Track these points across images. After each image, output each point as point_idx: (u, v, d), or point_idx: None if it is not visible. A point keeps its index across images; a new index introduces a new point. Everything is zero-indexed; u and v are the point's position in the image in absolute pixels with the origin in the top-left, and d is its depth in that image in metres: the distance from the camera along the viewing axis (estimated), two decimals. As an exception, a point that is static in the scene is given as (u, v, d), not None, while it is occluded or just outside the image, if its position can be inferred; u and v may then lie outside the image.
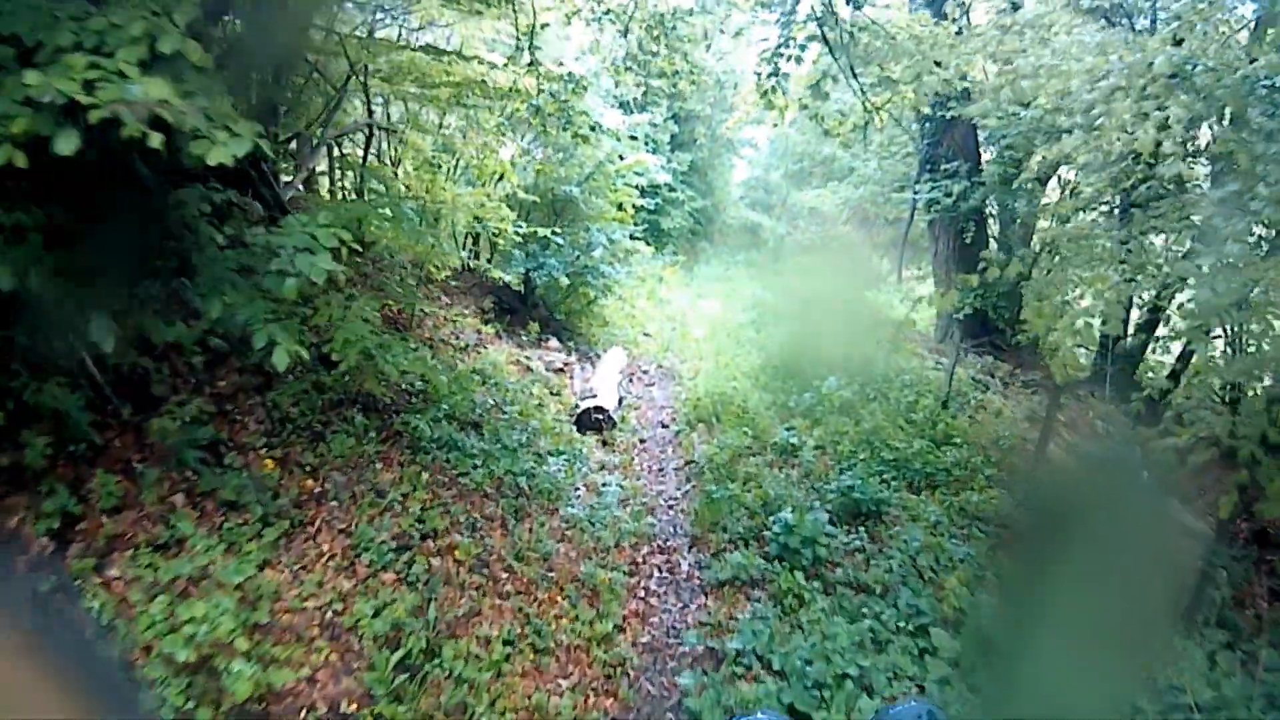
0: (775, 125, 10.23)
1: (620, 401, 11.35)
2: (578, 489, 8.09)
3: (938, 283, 15.89)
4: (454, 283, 14.28)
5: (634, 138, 18.37)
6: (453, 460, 7.07)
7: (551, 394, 11.23)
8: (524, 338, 13.49)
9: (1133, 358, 14.16)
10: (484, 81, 9.79)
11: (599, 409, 10.16)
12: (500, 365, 10.94)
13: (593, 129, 10.16)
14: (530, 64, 9.47)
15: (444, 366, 8.93)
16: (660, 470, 9.34)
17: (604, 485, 8.38)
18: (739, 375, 12.81)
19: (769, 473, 8.89)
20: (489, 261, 13.69)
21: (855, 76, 9.29)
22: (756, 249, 25.52)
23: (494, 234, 12.14)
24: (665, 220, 23.40)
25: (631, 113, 20.26)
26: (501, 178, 12.98)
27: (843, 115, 11.63)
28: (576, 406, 10.53)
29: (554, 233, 12.28)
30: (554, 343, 13.65)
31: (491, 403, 9.01)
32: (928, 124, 15.64)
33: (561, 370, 12.34)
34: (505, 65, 9.44)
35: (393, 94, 10.51)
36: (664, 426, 10.96)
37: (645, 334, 16.91)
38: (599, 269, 13.47)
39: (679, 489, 8.85)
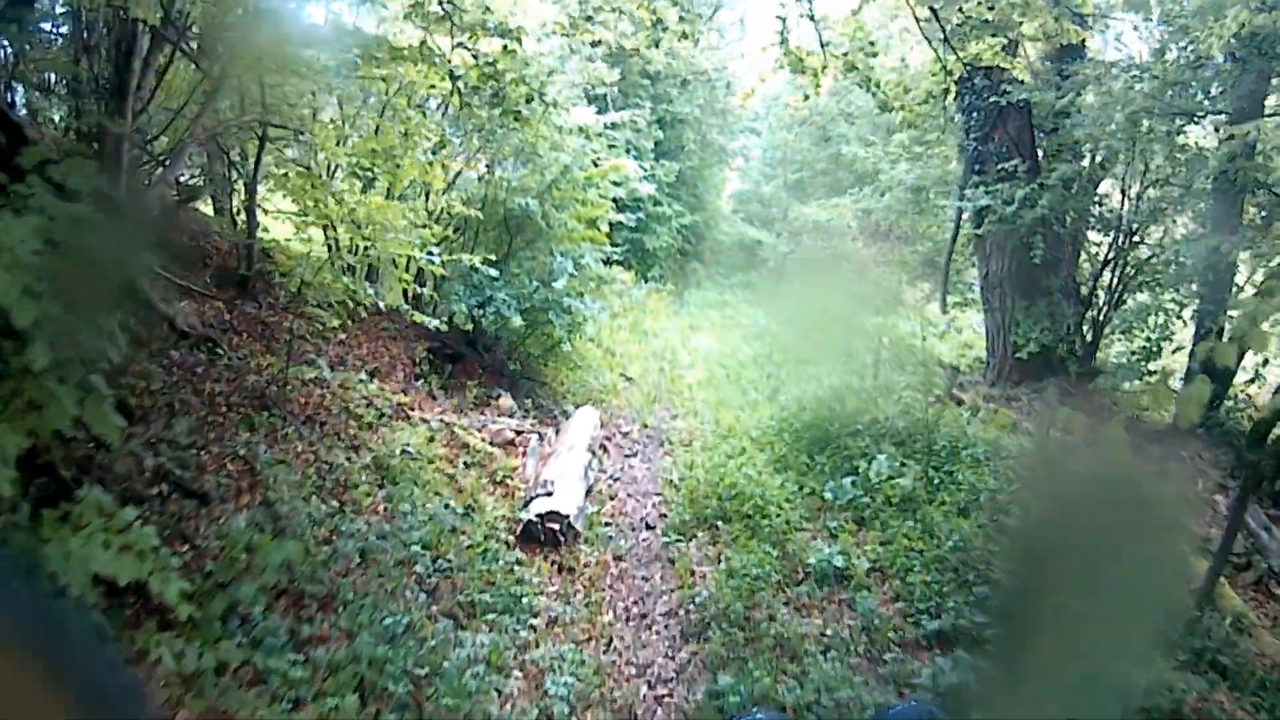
0: (806, 98, 7.00)
1: (588, 491, 8.24)
2: (504, 690, 4.91)
3: (989, 312, 12.89)
4: (386, 325, 11.23)
5: (609, 137, 15.39)
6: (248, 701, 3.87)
7: (493, 484, 8.14)
8: (469, 395, 10.41)
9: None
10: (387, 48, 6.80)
11: (554, 514, 7.05)
12: (420, 448, 7.83)
13: (530, 101, 7.10)
14: (444, 17, 6.43)
15: (294, 492, 5.78)
16: (643, 619, 6.22)
17: (552, 668, 5.23)
18: (747, 442, 9.74)
19: (808, 626, 5.79)
20: (434, 296, 10.63)
21: (936, 15, 6.27)
22: (754, 269, 22.51)
23: (425, 263, 9.08)
24: (650, 239, 20.37)
25: (606, 109, 17.29)
26: (428, 191, 9.97)
27: (900, 77, 8.59)
28: (525, 504, 7.41)
29: (491, 260, 9.22)
30: (506, 400, 10.54)
31: (376, 537, 5.85)
32: (974, 114, 12.69)
33: (512, 443, 9.23)
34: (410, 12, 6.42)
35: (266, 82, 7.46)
36: (648, 528, 7.86)
37: (626, 378, 13.84)
38: (563, 303, 10.38)
39: (671, 655, 5.73)
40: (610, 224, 12.95)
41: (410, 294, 12.38)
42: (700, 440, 10.20)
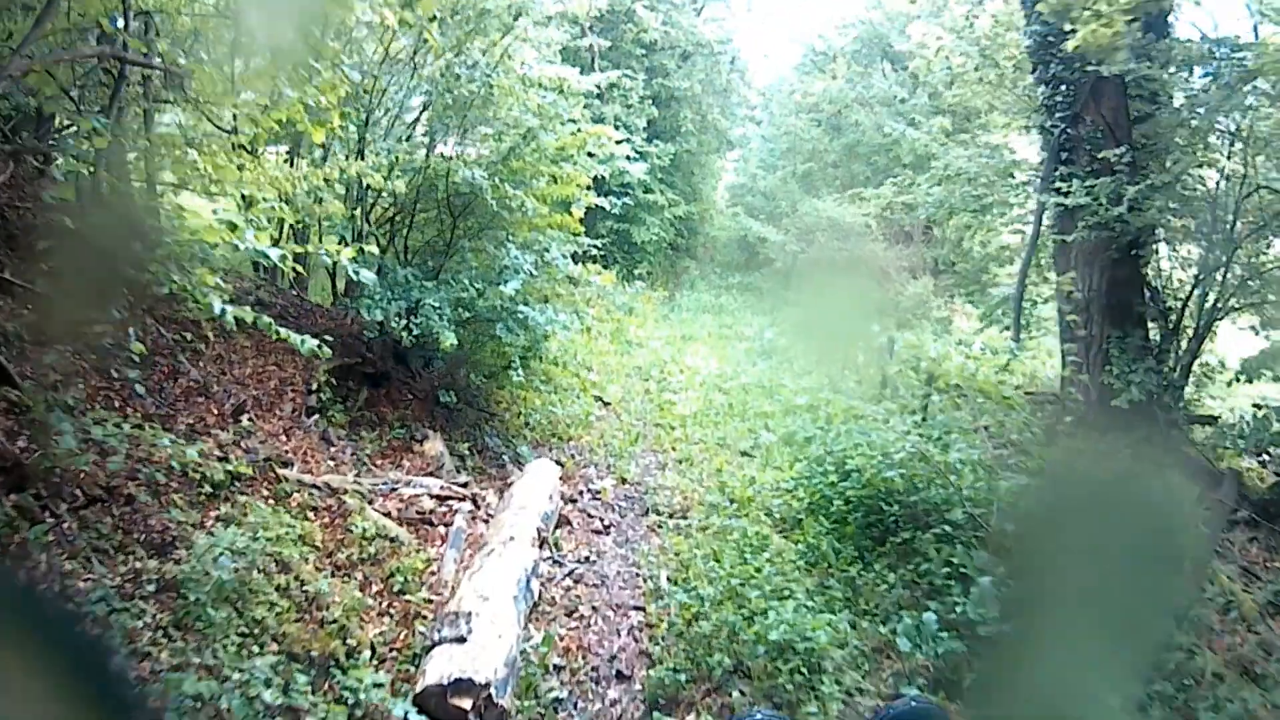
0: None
1: (532, 609, 5.44)
2: None
3: (1071, 342, 10.17)
4: (280, 333, 8.37)
5: (595, 109, 12.56)
6: None
7: (387, 597, 5.32)
8: (384, 438, 7.61)
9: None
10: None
11: (463, 684, 4.22)
12: (270, 542, 4.99)
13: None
14: None
15: None
16: None
17: None
18: (766, 522, 6.96)
19: None
20: (353, 297, 7.87)
21: None
22: (757, 269, 19.68)
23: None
24: (638, 230, 17.54)
25: (590, 70, 14.45)
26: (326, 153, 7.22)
27: None
28: (426, 652, 4.59)
29: (385, 256, 6.45)
30: (434, 445, 7.71)
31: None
32: (1060, 87, 9.93)
33: (428, 520, 6.40)
34: None
35: None
36: (620, 679, 5.06)
37: (603, 402, 11.03)
38: (517, 313, 7.54)
39: None
40: (588, 209, 10.15)
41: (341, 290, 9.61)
42: (699, 511, 7.40)
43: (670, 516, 7.39)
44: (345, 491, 6.33)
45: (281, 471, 6.42)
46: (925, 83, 21.09)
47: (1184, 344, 9.93)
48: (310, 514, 6.07)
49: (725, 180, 25.92)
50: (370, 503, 6.46)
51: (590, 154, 10.53)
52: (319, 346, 5.54)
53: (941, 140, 12.58)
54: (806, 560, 6.33)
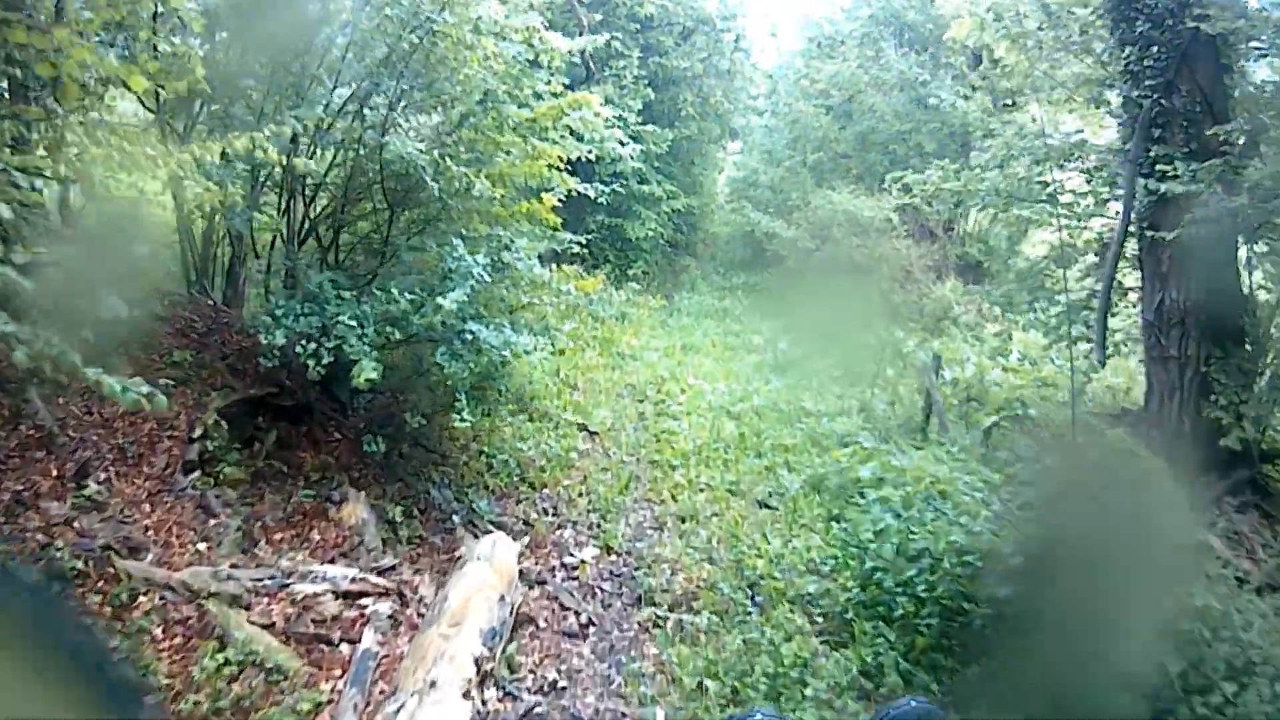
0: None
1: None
2: None
3: (1157, 362, 8.33)
4: (179, 356, 6.54)
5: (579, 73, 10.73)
6: None
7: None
8: (290, 499, 5.75)
9: None
10: None
11: None
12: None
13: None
14: None
15: None
16: None
17: None
18: (804, 635, 5.07)
19: None
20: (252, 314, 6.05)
21: None
22: (764, 268, 17.68)
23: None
24: (632, 226, 15.63)
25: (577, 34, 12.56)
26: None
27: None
28: None
29: (299, 258, 4.59)
30: (357, 509, 5.86)
31: None
32: (1149, 49, 8.07)
33: (327, 640, 4.52)
34: None
35: None
36: None
37: (588, 432, 9.14)
38: (464, 332, 5.65)
39: None
40: (571, 198, 8.30)
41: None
42: (708, 600, 5.52)
43: (671, 609, 5.50)
44: (211, 594, 4.45)
45: (124, 565, 4.55)
46: (948, 64, 19.28)
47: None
48: (156, 631, 4.21)
49: (724, 174, 23.96)
50: (248, 608, 4.59)
51: (572, 131, 8.69)
52: (148, 396, 3.68)
53: (999, 117, 10.60)
54: (863, 687, 4.45)
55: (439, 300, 5.26)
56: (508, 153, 6.46)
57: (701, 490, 7.74)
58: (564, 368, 10.57)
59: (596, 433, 9.23)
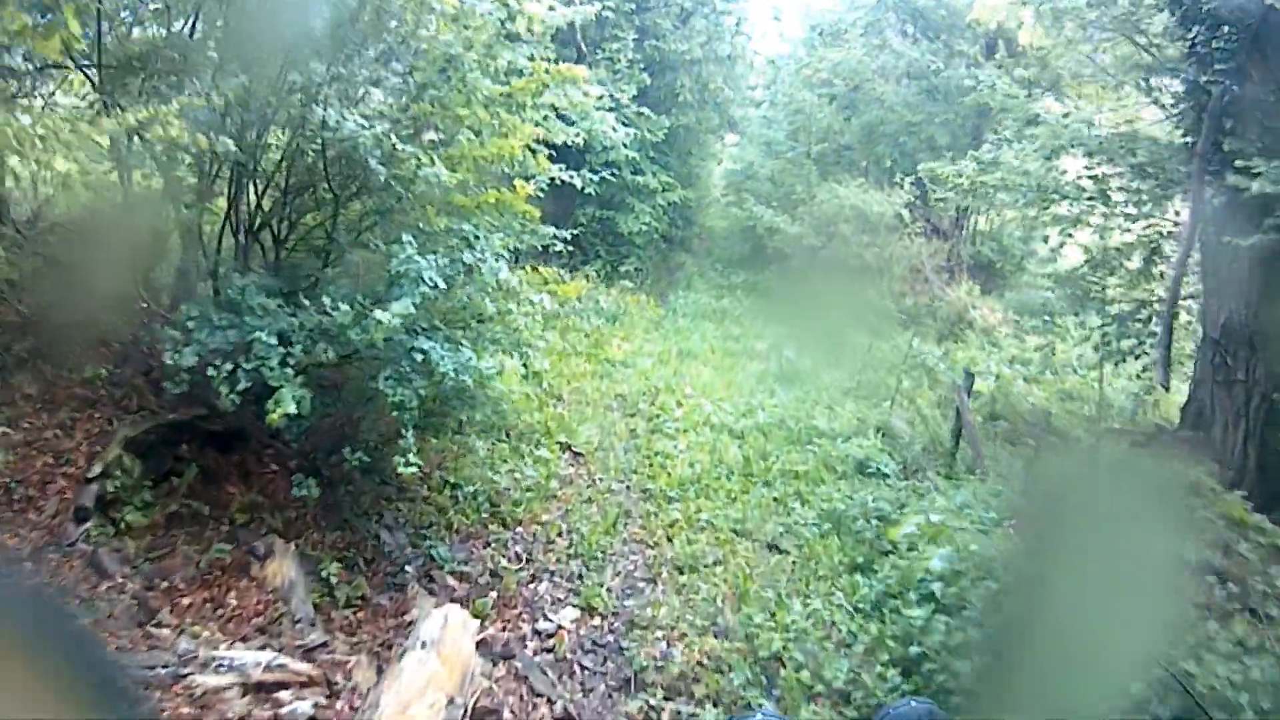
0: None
1: None
2: None
3: (1222, 386, 7.32)
4: (92, 372, 5.54)
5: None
6: None
7: None
8: (205, 553, 4.68)
9: None
10: None
11: None
12: None
13: None
14: None
15: None
16: None
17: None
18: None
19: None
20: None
21: None
22: (765, 265, 16.57)
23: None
24: (625, 219, 14.54)
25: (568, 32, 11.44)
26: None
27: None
28: None
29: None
30: (284, 566, 4.80)
31: None
32: (1222, 29, 7.04)
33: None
34: None
35: None
36: None
37: (572, 453, 8.11)
38: (414, 350, 4.56)
39: None
40: (555, 187, 7.24)
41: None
42: (713, 685, 4.47)
43: (667, 696, 4.45)
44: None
45: None
46: (961, 52, 18.22)
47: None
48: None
49: (721, 166, 22.82)
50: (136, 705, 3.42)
51: (558, 114, 7.64)
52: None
53: (1040, 103, 9.48)
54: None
55: (378, 314, 4.17)
56: (476, 132, 5.36)
57: (702, 529, 6.69)
58: (547, 376, 9.49)
59: (582, 454, 8.18)
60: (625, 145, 13.56)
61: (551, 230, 7.95)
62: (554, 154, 8.25)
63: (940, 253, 16.65)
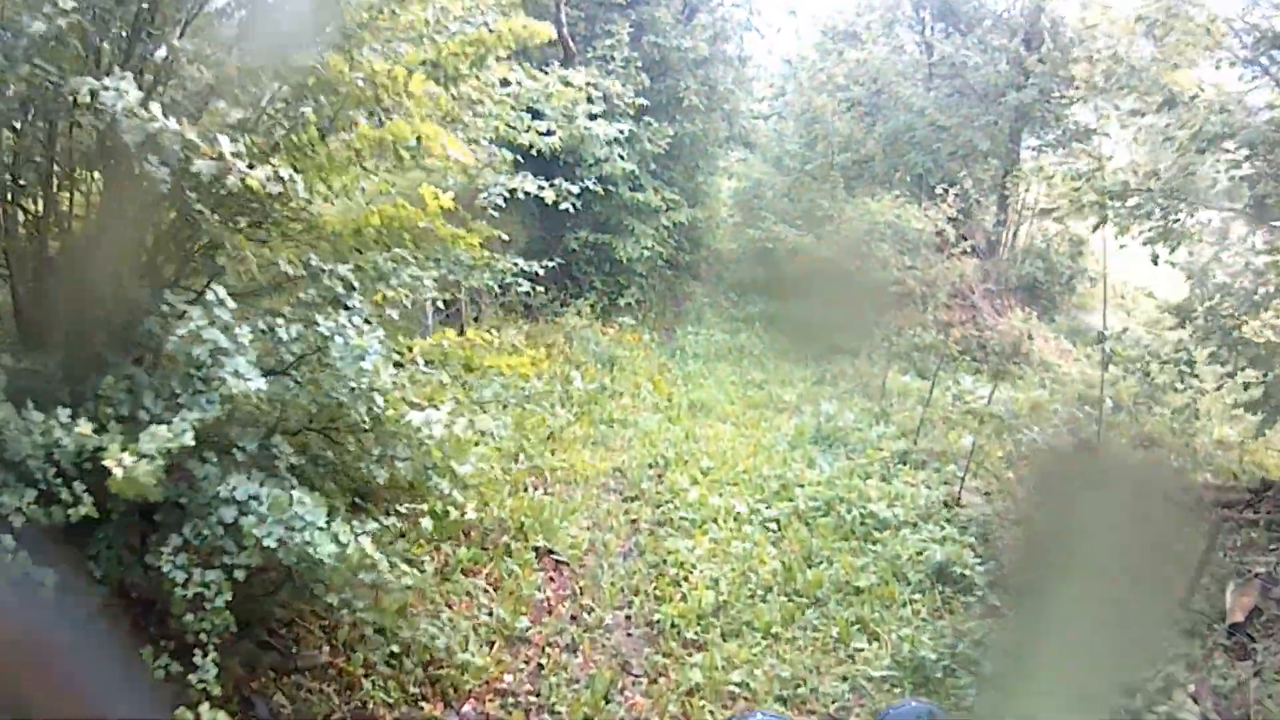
0: None
1: None
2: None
3: None
4: None
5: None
6: None
7: None
8: None
9: None
10: None
11: None
12: None
13: None
14: None
15: None
16: None
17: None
18: None
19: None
20: None
21: None
22: (783, 293, 14.40)
23: None
24: (624, 243, 12.45)
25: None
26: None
27: None
28: None
29: None
30: None
31: None
32: None
33: None
34: None
35: None
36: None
37: (554, 561, 5.99)
38: (225, 510, 2.40)
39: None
40: (538, 207, 5.25)
41: None
42: None
43: None
44: None
45: None
46: (1004, 48, 16.19)
47: None
48: None
49: (729, 183, 20.75)
50: None
51: (531, 107, 5.62)
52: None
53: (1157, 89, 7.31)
54: None
55: (117, 453, 2.08)
56: (372, 113, 3.28)
57: (733, 698, 4.55)
58: (526, 445, 7.40)
59: (566, 562, 6.06)
60: (622, 158, 11.58)
61: (516, 264, 5.89)
62: (525, 163, 6.27)
63: (980, 274, 14.52)
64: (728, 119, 16.08)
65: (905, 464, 8.00)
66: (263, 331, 2.76)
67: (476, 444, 6.24)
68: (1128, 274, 18.65)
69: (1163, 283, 18.84)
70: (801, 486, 7.28)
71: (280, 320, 2.77)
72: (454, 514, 3.09)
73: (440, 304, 9.36)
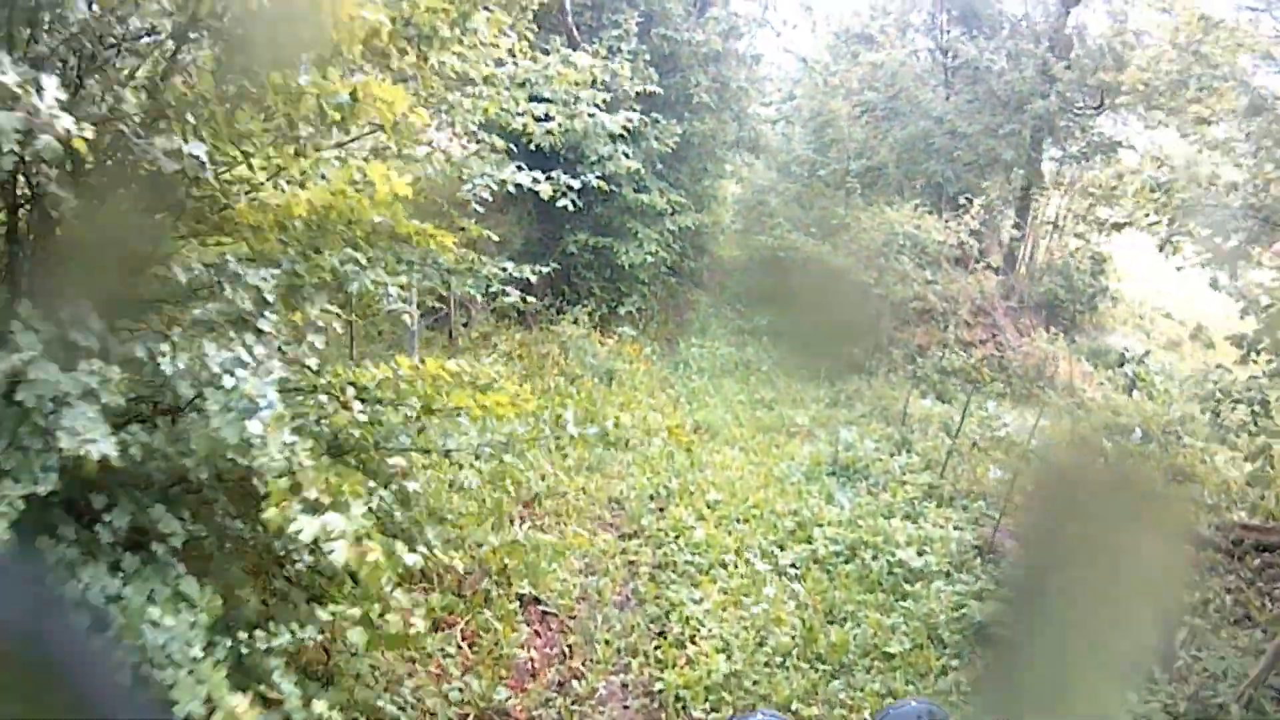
0: None
1: None
2: None
3: None
4: None
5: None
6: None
7: None
8: None
9: None
10: None
11: None
12: None
13: None
14: None
15: None
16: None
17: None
18: None
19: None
20: None
21: None
22: (790, 303, 13.62)
23: None
24: (626, 248, 11.65)
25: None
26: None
27: None
28: None
29: None
30: None
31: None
32: None
33: None
34: None
35: None
36: None
37: (540, 612, 5.18)
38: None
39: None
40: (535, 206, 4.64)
41: None
42: None
43: None
44: None
45: None
46: (1030, 53, 15.44)
47: None
48: None
49: (736, 188, 19.93)
50: None
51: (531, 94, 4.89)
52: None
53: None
54: None
55: None
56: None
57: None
58: (512, 472, 6.60)
59: (554, 613, 5.27)
60: (627, 155, 10.79)
61: (505, 269, 5.13)
62: (520, 154, 5.53)
63: (1003, 290, 13.75)
64: (738, 119, 15.28)
65: (933, 501, 7.23)
66: (143, 362, 1.99)
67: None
68: (1145, 294, 18.05)
69: (1180, 304, 18.14)
70: (820, 526, 6.50)
71: (166, 348, 1.99)
72: (394, 622, 2.30)
73: (433, 306, 8.62)
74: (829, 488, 7.27)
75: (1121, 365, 14.50)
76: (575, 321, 10.48)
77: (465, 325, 10.03)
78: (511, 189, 5.17)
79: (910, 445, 8.51)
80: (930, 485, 7.54)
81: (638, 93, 11.04)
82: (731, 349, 11.98)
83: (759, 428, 8.94)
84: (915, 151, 15.82)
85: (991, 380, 11.18)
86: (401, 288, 3.35)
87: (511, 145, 6.08)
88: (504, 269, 5.59)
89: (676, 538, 6.25)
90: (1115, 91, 15.11)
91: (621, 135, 10.19)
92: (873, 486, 7.35)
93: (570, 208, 7.61)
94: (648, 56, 12.31)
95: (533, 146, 6.36)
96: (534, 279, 6.23)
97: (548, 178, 5.22)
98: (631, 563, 6.01)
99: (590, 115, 6.85)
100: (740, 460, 7.90)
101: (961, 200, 12.73)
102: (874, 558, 6.08)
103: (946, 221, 12.65)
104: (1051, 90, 14.61)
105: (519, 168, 4.80)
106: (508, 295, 5.20)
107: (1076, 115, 15.90)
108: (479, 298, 8.06)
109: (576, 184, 5.55)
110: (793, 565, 6.01)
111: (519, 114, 4.82)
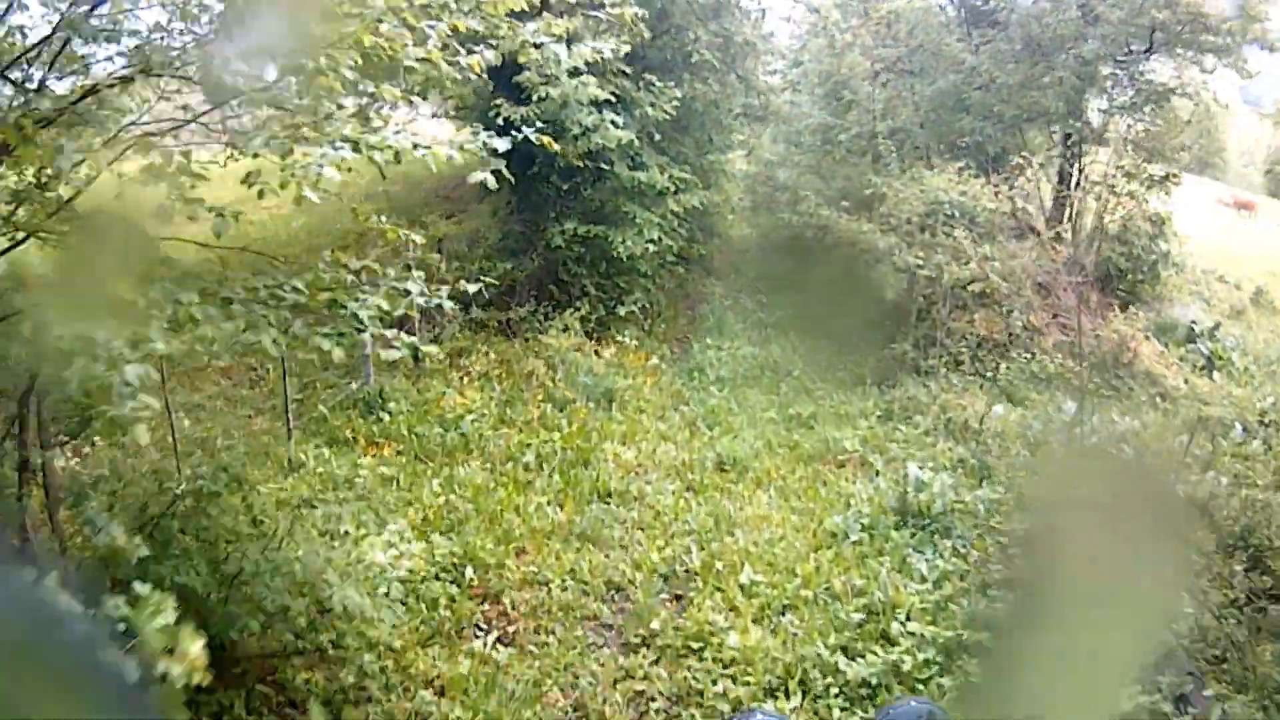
0: None
1: None
2: None
3: None
4: None
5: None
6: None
7: None
8: None
9: None
10: None
11: None
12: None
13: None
14: None
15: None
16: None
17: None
18: None
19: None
20: None
21: None
22: (813, 289, 11.70)
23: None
24: (621, 236, 9.75)
25: None
26: None
27: None
28: None
29: None
30: None
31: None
32: None
33: None
34: None
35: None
36: None
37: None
38: None
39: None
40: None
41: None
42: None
43: None
44: None
45: None
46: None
47: None
48: None
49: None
50: None
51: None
52: None
53: None
54: None
55: None
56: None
57: None
58: (473, 546, 4.84)
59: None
60: (616, 124, 8.91)
61: (441, 289, 3.36)
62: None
63: (1065, 263, 11.80)
64: (744, 81, 13.36)
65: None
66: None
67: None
68: (1198, 258, 16.15)
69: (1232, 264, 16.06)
70: (899, 616, 4.70)
71: None
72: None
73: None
74: (900, 548, 5.45)
75: (1193, 341, 12.74)
76: (565, 329, 8.68)
77: (435, 341, 8.25)
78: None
79: (990, 472, 6.68)
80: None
81: (626, 53, 9.15)
82: (754, 348, 10.11)
83: (798, 457, 7.09)
84: (944, 110, 13.92)
85: (1065, 375, 9.33)
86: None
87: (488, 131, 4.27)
88: (440, 289, 3.78)
89: (702, 649, 4.45)
90: (1169, 30, 13.22)
91: (609, 101, 8.43)
92: (960, 543, 5.53)
93: (554, 193, 5.80)
94: (640, 18, 10.38)
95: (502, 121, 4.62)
96: (487, 290, 4.44)
97: (513, 140, 3.48)
98: (639, 694, 4.23)
99: (555, 65, 5.05)
100: (780, 510, 6.07)
101: (1014, 159, 10.80)
102: (979, 664, 4.29)
103: (995, 186, 10.76)
104: (1095, 32, 12.68)
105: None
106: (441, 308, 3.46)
107: (1122, 61, 13.97)
108: (447, 306, 6.33)
109: (504, 144, 3.67)
110: (867, 685, 4.22)
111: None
